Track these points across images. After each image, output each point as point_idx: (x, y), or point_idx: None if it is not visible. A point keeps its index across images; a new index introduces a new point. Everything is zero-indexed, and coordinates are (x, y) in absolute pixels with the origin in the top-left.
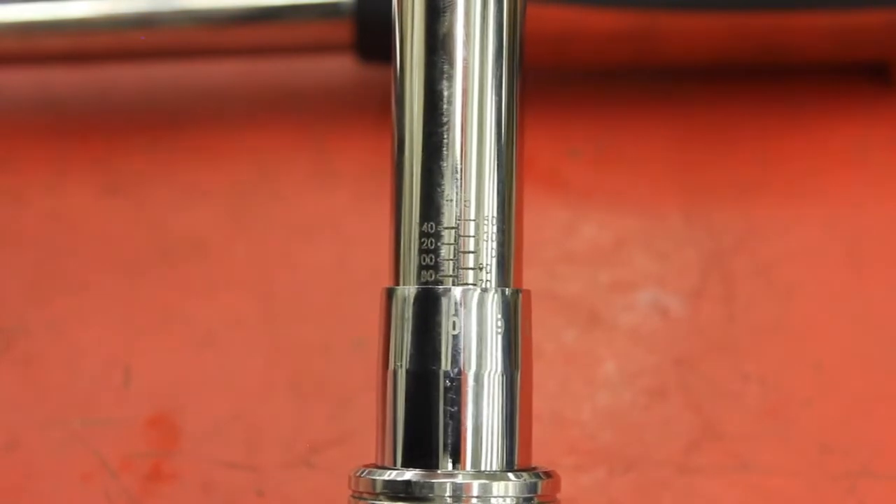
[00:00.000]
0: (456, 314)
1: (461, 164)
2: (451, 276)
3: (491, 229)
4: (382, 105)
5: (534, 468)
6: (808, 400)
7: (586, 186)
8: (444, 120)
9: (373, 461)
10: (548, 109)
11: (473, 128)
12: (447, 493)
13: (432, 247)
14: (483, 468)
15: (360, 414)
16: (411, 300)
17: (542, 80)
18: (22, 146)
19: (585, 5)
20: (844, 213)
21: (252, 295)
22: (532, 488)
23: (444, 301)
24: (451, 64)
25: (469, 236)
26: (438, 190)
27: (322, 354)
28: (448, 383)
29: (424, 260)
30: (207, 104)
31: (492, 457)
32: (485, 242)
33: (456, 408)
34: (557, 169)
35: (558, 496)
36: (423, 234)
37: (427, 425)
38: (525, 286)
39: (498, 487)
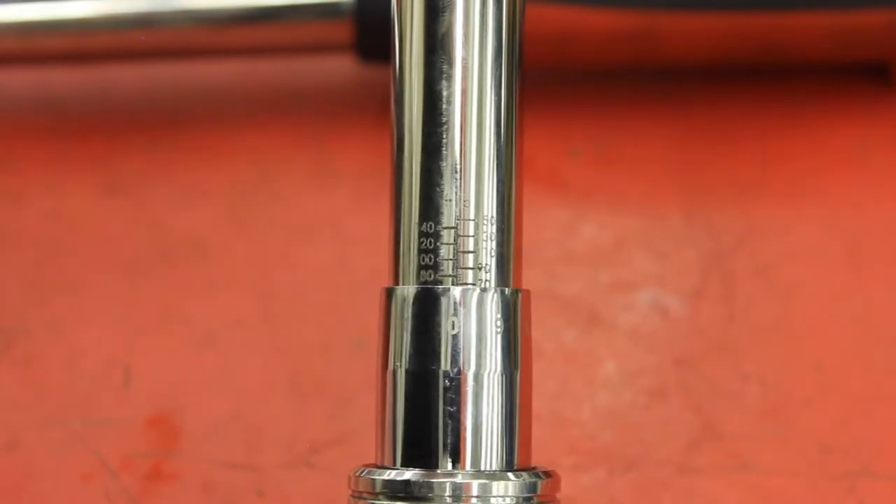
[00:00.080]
0: (455, 314)
1: (460, 163)
2: (450, 275)
3: (490, 229)
4: (382, 105)
5: (533, 468)
6: (808, 400)
7: (586, 186)
8: (444, 120)
9: (372, 461)
10: (548, 109)
11: (473, 128)
12: (447, 493)
13: (431, 247)
14: (483, 468)
15: (360, 414)
16: (411, 300)
17: (542, 80)
18: (22, 146)
19: (585, 5)
20: (844, 213)
21: (252, 295)
22: (532, 488)
23: (443, 301)
24: (451, 64)
25: (468, 236)
26: (438, 190)
27: (322, 354)
28: (447, 383)
29: (424, 260)
30: (207, 104)
31: (491, 457)
32: (484, 242)
33: (455, 408)
34: (557, 169)
35: (558, 496)
36: (422, 234)
37: (426, 425)
38: (525, 286)
39: (497, 487)
